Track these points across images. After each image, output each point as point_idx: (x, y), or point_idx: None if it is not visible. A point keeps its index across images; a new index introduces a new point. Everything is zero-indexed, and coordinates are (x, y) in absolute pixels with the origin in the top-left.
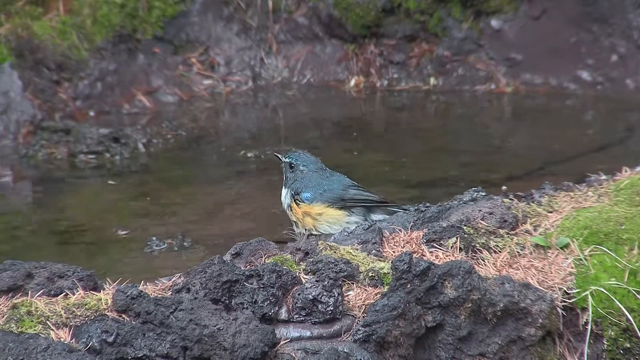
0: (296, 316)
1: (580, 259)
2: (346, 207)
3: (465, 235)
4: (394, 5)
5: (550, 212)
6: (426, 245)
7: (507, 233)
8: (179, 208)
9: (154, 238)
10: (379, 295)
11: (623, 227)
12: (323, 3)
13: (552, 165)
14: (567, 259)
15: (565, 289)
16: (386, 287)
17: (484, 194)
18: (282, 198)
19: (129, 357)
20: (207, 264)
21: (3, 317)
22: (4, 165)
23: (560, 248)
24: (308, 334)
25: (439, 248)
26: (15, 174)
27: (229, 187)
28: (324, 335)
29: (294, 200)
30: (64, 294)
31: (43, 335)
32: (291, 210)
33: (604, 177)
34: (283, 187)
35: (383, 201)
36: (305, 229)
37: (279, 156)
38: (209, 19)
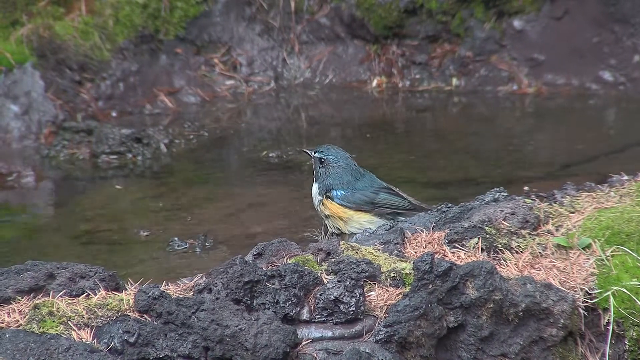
0: (318, 316)
1: (602, 260)
2: (375, 210)
3: (487, 236)
4: (416, 6)
5: (572, 212)
6: (448, 246)
7: (529, 233)
8: (200, 208)
9: (176, 238)
10: (400, 296)
11: None
12: (345, 4)
13: (574, 166)
14: (588, 259)
15: (587, 290)
16: (408, 287)
17: (505, 194)
18: (313, 194)
19: (151, 358)
20: (229, 264)
21: (25, 317)
22: (26, 166)
23: (582, 248)
24: (330, 334)
25: (460, 248)
26: (37, 174)
27: (251, 187)
28: (346, 335)
29: (326, 197)
30: (86, 294)
31: (65, 336)
32: (323, 205)
33: (625, 177)
34: (314, 182)
35: (413, 207)
36: (335, 227)
37: (308, 151)
38: (231, 20)
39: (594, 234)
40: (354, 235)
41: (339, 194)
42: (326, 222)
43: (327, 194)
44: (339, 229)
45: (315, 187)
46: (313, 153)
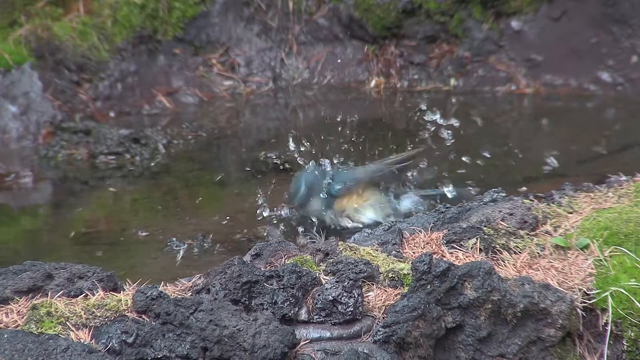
0: (316, 317)
1: (600, 260)
2: (379, 187)
3: (485, 236)
4: (414, 6)
5: (570, 213)
6: (446, 246)
7: (527, 234)
8: (199, 209)
9: (174, 239)
10: (399, 296)
11: None
12: (343, 4)
13: (572, 166)
14: (587, 259)
15: (585, 290)
16: (406, 288)
17: (504, 194)
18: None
19: (149, 358)
20: (227, 265)
21: (23, 317)
22: (24, 166)
23: (580, 249)
24: (328, 334)
25: (459, 249)
26: (35, 174)
27: (250, 187)
28: (344, 336)
29: (331, 196)
30: (84, 294)
31: (63, 336)
32: (337, 204)
33: (624, 178)
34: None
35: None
36: (350, 219)
37: (292, 208)
38: (230, 20)
39: (592, 235)
40: (352, 235)
41: (338, 187)
42: (340, 220)
43: (330, 193)
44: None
45: (317, 204)
46: (296, 203)
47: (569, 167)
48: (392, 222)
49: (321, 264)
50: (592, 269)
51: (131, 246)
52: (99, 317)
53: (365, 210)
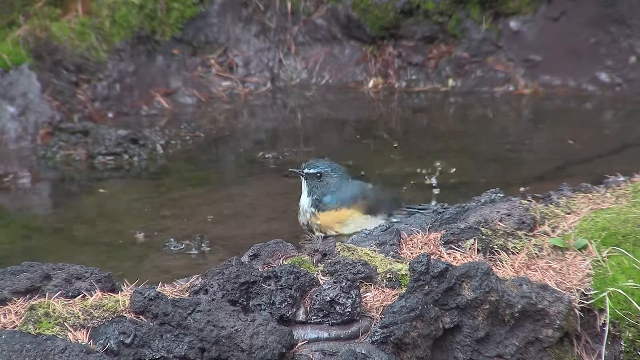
0: (314, 317)
1: (598, 261)
2: (369, 210)
3: (483, 237)
4: (412, 7)
5: (568, 213)
6: (444, 247)
7: (525, 234)
8: (197, 209)
9: (172, 239)
10: (396, 297)
11: None
12: (342, 4)
13: (570, 167)
14: (584, 260)
15: (583, 291)
16: (404, 288)
17: (502, 195)
18: (303, 207)
19: (147, 359)
20: (225, 266)
21: (21, 318)
22: (23, 167)
23: (578, 249)
24: (326, 335)
25: (456, 249)
26: (34, 175)
27: (247, 188)
28: (342, 336)
29: (318, 209)
30: (82, 295)
31: (60, 337)
32: (314, 217)
33: (622, 178)
34: (307, 197)
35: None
36: (327, 233)
37: (298, 170)
38: (228, 20)
39: (590, 235)
40: (351, 236)
41: (330, 198)
42: (316, 234)
43: (319, 204)
44: (336, 232)
45: (307, 201)
46: (308, 170)
47: (567, 168)
48: (390, 222)
49: (319, 264)
50: (590, 269)
51: (129, 247)
52: (97, 317)
53: (341, 230)
